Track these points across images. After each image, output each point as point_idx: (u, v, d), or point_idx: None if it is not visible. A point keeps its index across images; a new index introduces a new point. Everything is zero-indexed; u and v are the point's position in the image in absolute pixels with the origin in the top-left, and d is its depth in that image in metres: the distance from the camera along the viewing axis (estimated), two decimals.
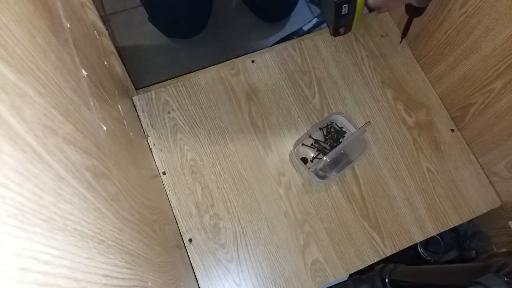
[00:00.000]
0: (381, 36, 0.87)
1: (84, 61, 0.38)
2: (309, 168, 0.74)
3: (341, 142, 0.77)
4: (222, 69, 0.81)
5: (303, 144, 0.78)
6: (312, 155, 0.77)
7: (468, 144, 0.81)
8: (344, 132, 0.78)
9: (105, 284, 0.24)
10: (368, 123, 0.76)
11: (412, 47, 0.87)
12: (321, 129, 0.79)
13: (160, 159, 0.74)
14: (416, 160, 0.78)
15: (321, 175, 0.75)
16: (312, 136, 0.78)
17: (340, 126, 0.79)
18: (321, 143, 0.78)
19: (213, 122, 0.78)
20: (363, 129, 0.73)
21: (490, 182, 0.78)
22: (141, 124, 0.76)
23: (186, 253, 0.69)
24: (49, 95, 0.24)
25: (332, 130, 0.79)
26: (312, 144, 0.78)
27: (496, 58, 0.66)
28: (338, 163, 0.77)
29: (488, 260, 0.48)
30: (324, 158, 0.71)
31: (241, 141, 0.77)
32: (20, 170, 0.17)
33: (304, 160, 0.77)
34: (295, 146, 0.75)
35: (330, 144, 0.78)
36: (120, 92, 0.64)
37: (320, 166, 0.73)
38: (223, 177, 0.74)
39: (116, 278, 0.26)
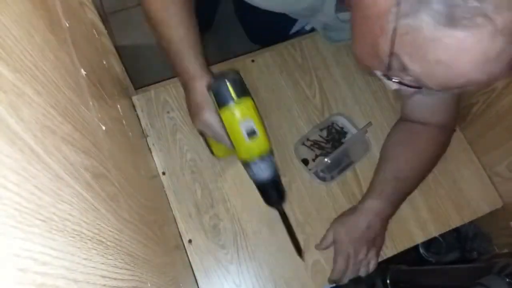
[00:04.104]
0: None
1: (83, 61, 0.38)
2: (310, 169, 0.73)
3: (342, 143, 0.77)
4: (222, 69, 0.81)
5: (303, 145, 0.77)
6: (313, 157, 0.77)
7: (469, 144, 0.80)
8: (345, 133, 0.78)
9: (104, 285, 0.24)
10: (369, 124, 0.76)
11: None
12: (321, 130, 0.79)
13: (159, 159, 0.74)
14: None
15: (322, 176, 0.75)
16: (313, 137, 0.78)
17: (341, 126, 0.79)
18: (322, 144, 0.78)
19: None
20: (364, 130, 0.73)
21: (492, 182, 0.78)
22: (140, 124, 0.76)
23: (185, 254, 0.69)
24: (47, 95, 0.24)
25: (333, 130, 0.78)
26: (312, 145, 0.77)
27: None
28: (339, 165, 0.76)
29: (490, 261, 0.48)
30: (325, 159, 0.70)
31: None
32: (18, 170, 0.17)
33: (305, 161, 0.76)
34: (295, 147, 0.75)
35: (331, 144, 0.78)
36: (119, 91, 0.64)
37: (321, 167, 0.73)
38: (222, 177, 0.74)
39: (115, 279, 0.26)
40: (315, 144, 0.77)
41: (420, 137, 0.71)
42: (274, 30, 1.13)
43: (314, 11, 0.66)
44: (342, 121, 0.78)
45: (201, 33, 0.62)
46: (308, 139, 0.77)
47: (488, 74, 0.40)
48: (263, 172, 0.57)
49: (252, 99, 0.57)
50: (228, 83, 0.55)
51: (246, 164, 0.58)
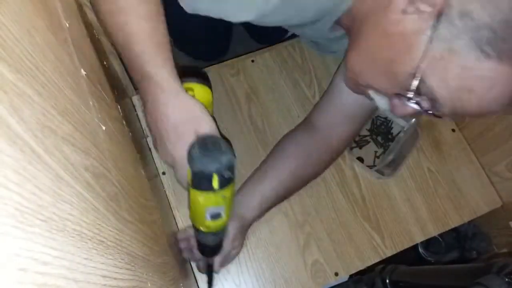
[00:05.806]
0: None
1: (83, 61, 0.38)
2: (372, 166, 0.75)
3: (391, 133, 0.79)
4: (222, 69, 0.81)
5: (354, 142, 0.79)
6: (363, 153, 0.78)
7: (469, 144, 0.81)
8: (390, 121, 0.80)
9: (104, 285, 0.24)
10: None
11: None
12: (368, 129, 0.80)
13: (159, 159, 0.74)
14: (417, 160, 0.78)
15: (386, 172, 0.76)
16: (361, 133, 0.79)
17: (384, 117, 0.80)
18: (368, 138, 0.79)
19: None
20: (418, 118, 0.74)
21: (491, 182, 0.78)
22: (141, 124, 0.76)
23: None
24: (48, 95, 0.24)
25: (378, 122, 0.80)
26: (360, 141, 0.79)
27: None
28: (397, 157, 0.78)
29: (489, 260, 0.48)
30: (389, 156, 0.72)
31: (241, 141, 0.76)
32: (19, 170, 0.17)
33: (360, 159, 0.77)
34: (349, 148, 0.76)
35: (382, 137, 0.79)
36: (119, 92, 0.64)
37: (383, 164, 0.73)
38: None
39: (115, 278, 0.26)
40: (363, 139, 0.79)
41: (318, 151, 0.68)
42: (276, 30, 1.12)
43: (306, 26, 0.60)
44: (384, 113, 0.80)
45: (218, 57, 0.58)
46: (358, 135, 0.79)
47: (506, 107, 0.40)
48: (210, 242, 0.55)
49: (234, 183, 0.47)
50: (214, 172, 0.43)
51: (196, 229, 0.53)
